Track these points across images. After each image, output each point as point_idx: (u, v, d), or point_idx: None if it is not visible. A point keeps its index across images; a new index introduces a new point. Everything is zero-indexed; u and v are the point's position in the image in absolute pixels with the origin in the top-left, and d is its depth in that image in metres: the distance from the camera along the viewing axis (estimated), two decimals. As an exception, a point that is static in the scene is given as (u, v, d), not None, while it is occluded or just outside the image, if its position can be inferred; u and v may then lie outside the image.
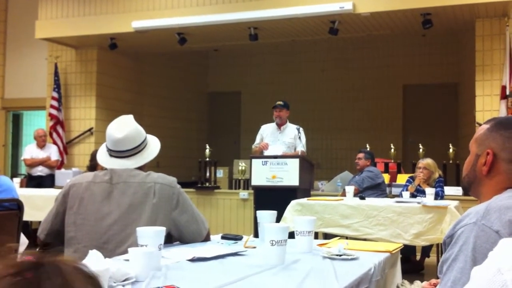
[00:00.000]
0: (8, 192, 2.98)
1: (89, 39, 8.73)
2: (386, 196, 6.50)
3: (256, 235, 2.73)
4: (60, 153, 8.87)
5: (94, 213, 2.34)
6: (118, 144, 2.43)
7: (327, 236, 5.27)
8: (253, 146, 6.80)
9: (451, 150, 7.39)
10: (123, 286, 1.63)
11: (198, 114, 12.12)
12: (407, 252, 5.59)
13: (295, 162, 5.96)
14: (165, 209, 2.35)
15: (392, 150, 7.95)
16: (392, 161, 7.89)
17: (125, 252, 2.01)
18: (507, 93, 6.93)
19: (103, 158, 2.50)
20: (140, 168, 2.45)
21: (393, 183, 7.19)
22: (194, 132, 11.71)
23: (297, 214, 5.06)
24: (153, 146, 2.53)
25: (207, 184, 8.13)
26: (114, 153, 2.45)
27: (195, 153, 10.23)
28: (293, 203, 5.26)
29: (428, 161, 6.16)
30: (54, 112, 9.04)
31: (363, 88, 11.17)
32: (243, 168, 7.89)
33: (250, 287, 1.68)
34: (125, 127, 2.45)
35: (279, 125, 6.62)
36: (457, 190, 6.52)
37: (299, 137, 6.38)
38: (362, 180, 6.47)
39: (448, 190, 6.41)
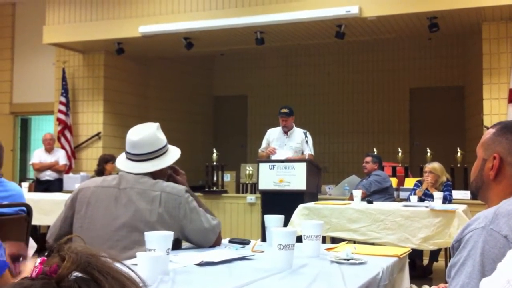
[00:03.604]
0: (17, 197, 2.99)
1: (96, 44, 8.78)
2: (394, 200, 6.49)
3: (263, 239, 2.73)
4: (68, 157, 8.90)
5: (100, 218, 2.35)
6: (133, 147, 2.45)
7: (335, 240, 5.26)
8: (259, 151, 6.79)
9: (458, 154, 7.36)
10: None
11: (204, 118, 12.14)
12: (413, 256, 5.58)
13: (302, 166, 5.95)
14: (171, 219, 2.34)
15: (400, 153, 7.93)
16: (400, 165, 7.86)
17: (130, 258, 2.01)
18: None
19: (120, 159, 2.53)
20: (154, 175, 2.45)
21: (401, 187, 7.17)
22: (200, 135, 11.73)
23: (304, 218, 5.05)
24: (170, 156, 2.51)
25: (215, 188, 8.14)
26: (129, 156, 2.48)
27: (201, 157, 10.24)
28: (301, 207, 5.26)
29: (435, 165, 6.14)
30: (62, 116, 9.08)
31: (369, 92, 11.17)
32: (250, 172, 7.89)
33: (258, 292, 1.69)
34: (143, 131, 2.47)
35: (286, 131, 6.63)
36: (465, 194, 6.50)
37: (306, 141, 6.37)
38: (369, 184, 6.46)
39: (456, 194, 6.38)
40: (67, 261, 0.69)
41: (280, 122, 6.61)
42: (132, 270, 0.74)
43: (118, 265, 0.73)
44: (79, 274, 0.69)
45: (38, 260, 0.71)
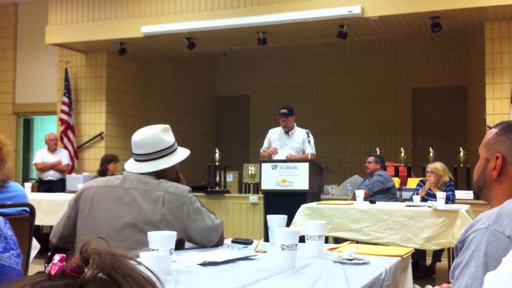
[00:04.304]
0: (20, 197, 3.00)
1: (99, 44, 8.79)
2: (397, 200, 6.49)
3: (266, 239, 2.73)
4: (71, 157, 8.92)
5: (103, 218, 2.36)
6: (136, 147, 2.48)
7: (337, 240, 5.26)
8: (261, 151, 6.81)
9: (461, 154, 7.36)
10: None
11: (206, 118, 12.15)
12: (416, 256, 5.57)
13: (305, 166, 5.95)
14: (174, 219, 2.34)
15: (402, 153, 7.92)
16: (402, 165, 7.86)
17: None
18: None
19: (129, 160, 2.56)
20: (158, 175, 2.46)
21: (404, 187, 7.16)
22: (202, 136, 11.73)
23: (307, 218, 5.05)
24: (173, 158, 2.51)
25: (217, 188, 8.14)
26: (134, 156, 2.51)
27: (203, 157, 10.26)
28: (303, 207, 5.26)
29: (436, 165, 6.14)
30: (64, 117, 9.09)
31: (371, 92, 11.16)
32: (253, 172, 7.89)
33: (261, 292, 1.69)
34: (146, 132, 2.48)
35: (287, 131, 6.64)
36: (468, 194, 6.49)
37: (309, 141, 6.38)
38: (372, 184, 6.46)
39: (459, 194, 6.38)
40: (92, 264, 0.68)
41: (280, 123, 6.62)
42: (151, 271, 0.74)
43: (136, 265, 0.73)
44: (101, 275, 0.68)
45: (57, 257, 0.69)
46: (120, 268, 0.69)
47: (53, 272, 0.68)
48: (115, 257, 0.70)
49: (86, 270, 0.67)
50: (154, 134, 2.47)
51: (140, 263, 0.73)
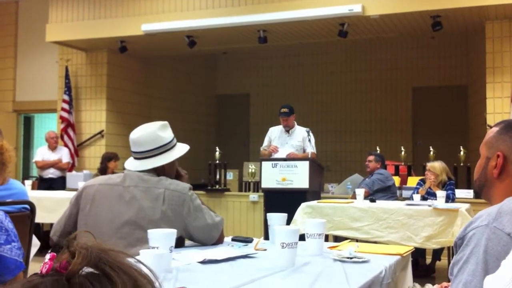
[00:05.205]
0: (20, 195, 3.00)
1: (99, 42, 8.79)
2: (397, 199, 6.49)
3: (266, 237, 2.73)
4: (71, 155, 8.92)
5: (104, 215, 2.36)
6: (133, 144, 2.48)
7: (337, 239, 5.27)
8: (261, 149, 6.81)
9: (461, 153, 7.36)
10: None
11: (206, 117, 12.15)
12: (415, 254, 5.58)
13: (305, 165, 5.95)
14: (175, 216, 2.35)
15: (403, 152, 7.93)
16: (403, 163, 7.86)
17: (134, 255, 2.01)
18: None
19: (129, 158, 2.56)
20: (158, 172, 2.46)
21: (404, 185, 7.17)
22: (203, 134, 11.73)
23: (307, 217, 5.05)
24: (171, 154, 2.50)
25: (217, 187, 8.14)
26: (132, 154, 2.52)
27: (204, 155, 10.26)
28: (303, 205, 5.26)
29: (434, 164, 6.14)
30: (65, 114, 9.09)
31: (372, 91, 11.16)
32: (253, 170, 7.89)
33: (261, 290, 1.69)
34: (142, 130, 2.48)
35: (287, 129, 6.64)
36: (468, 193, 6.50)
37: (309, 140, 6.38)
38: (372, 182, 6.46)
39: (459, 192, 6.38)
40: (77, 257, 0.68)
41: (281, 122, 6.62)
42: (143, 264, 0.74)
43: (128, 259, 0.73)
44: (90, 270, 0.68)
45: (48, 256, 0.70)
46: (108, 260, 0.69)
47: (44, 270, 0.69)
48: (103, 251, 0.70)
49: (72, 263, 0.68)
50: (151, 131, 2.47)
51: (136, 260, 0.73)
